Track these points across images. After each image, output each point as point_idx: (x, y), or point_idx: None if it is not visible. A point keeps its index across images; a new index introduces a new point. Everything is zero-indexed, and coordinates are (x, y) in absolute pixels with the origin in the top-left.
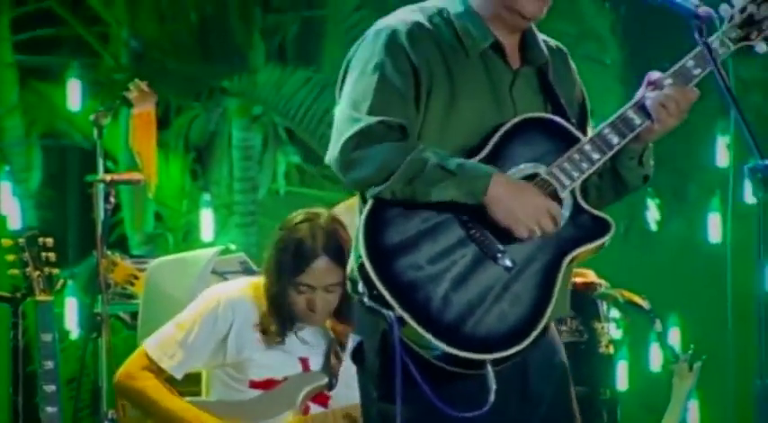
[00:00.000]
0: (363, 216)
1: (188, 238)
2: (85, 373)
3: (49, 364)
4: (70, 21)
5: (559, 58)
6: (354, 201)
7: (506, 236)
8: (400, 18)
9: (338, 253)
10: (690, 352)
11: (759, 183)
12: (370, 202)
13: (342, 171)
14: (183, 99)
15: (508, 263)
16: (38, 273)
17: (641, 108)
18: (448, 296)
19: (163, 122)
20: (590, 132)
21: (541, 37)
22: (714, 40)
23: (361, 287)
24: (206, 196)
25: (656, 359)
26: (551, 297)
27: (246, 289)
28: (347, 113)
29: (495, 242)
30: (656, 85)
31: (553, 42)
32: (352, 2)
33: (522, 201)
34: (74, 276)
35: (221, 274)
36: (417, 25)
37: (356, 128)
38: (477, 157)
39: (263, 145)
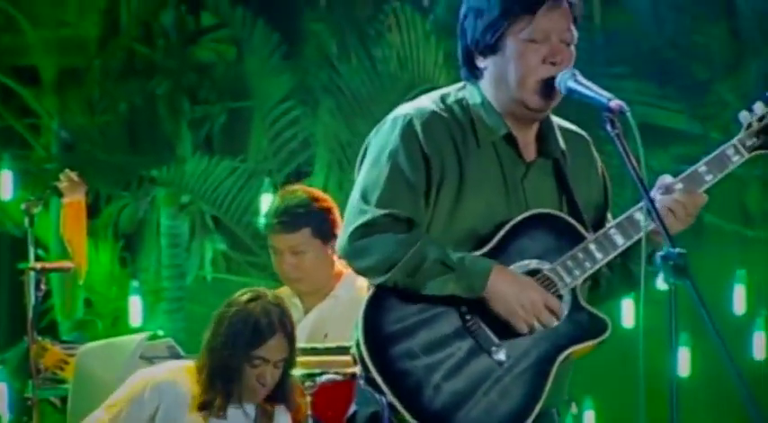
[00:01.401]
0: (365, 301)
1: (117, 324)
2: None
3: None
4: (1, 112)
5: (581, 146)
6: (283, 290)
7: (506, 328)
8: (418, 106)
9: (290, 330)
10: None
11: (670, 270)
12: (372, 289)
13: (348, 259)
14: (112, 188)
15: (502, 357)
16: None
17: (650, 211)
18: (440, 386)
19: (93, 211)
20: (610, 219)
21: (564, 125)
22: (728, 147)
23: (358, 368)
24: (134, 283)
25: None
26: (542, 392)
27: (178, 371)
28: (357, 204)
29: (491, 335)
30: (667, 189)
31: (576, 130)
32: (277, 93)
33: (522, 296)
34: (4, 362)
35: (149, 359)
36: (433, 114)
37: (363, 219)
38: (482, 251)
39: (190, 233)
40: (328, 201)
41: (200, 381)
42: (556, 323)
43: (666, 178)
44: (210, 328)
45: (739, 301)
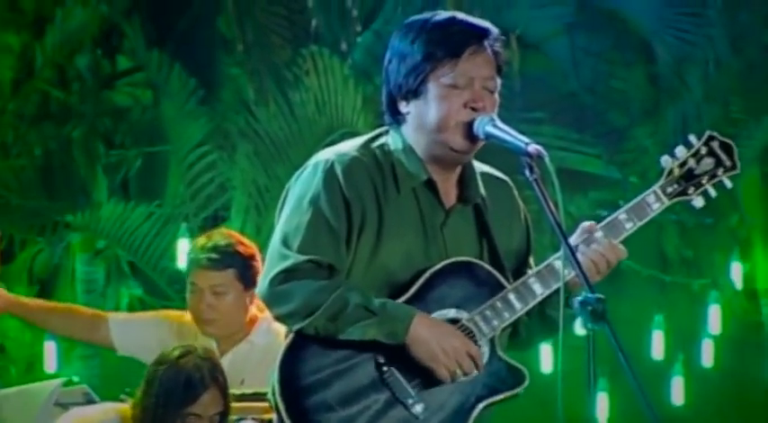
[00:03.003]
0: (282, 350)
1: (31, 370)
2: None
3: None
4: None
5: (503, 192)
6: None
7: (425, 376)
8: (339, 151)
9: (222, 384)
10: None
11: (589, 315)
12: (290, 337)
13: (268, 304)
14: (26, 234)
15: (419, 409)
16: None
17: (568, 257)
18: None
19: (7, 257)
20: (533, 265)
21: (486, 170)
22: (649, 194)
23: (275, 416)
24: None
25: None
26: None
27: (111, 412)
28: (278, 249)
29: (408, 387)
30: (588, 234)
31: (498, 175)
32: (194, 138)
33: (445, 342)
34: None
35: (64, 406)
36: (354, 160)
37: (285, 265)
38: (401, 299)
39: (105, 278)
40: (253, 248)
41: None
42: (476, 373)
43: (587, 224)
44: (142, 386)
45: (657, 346)
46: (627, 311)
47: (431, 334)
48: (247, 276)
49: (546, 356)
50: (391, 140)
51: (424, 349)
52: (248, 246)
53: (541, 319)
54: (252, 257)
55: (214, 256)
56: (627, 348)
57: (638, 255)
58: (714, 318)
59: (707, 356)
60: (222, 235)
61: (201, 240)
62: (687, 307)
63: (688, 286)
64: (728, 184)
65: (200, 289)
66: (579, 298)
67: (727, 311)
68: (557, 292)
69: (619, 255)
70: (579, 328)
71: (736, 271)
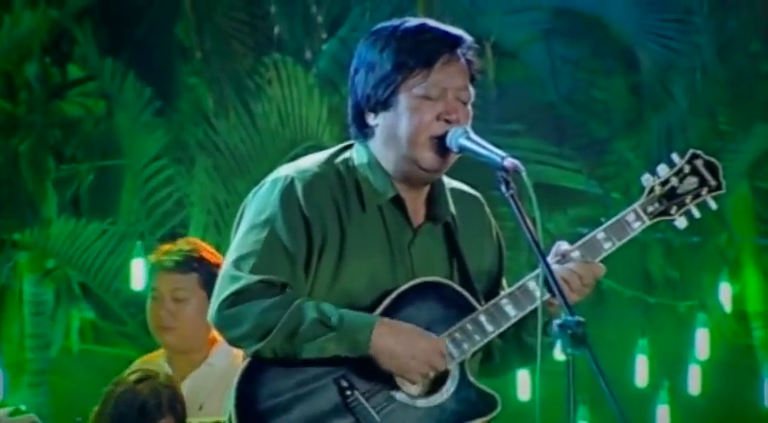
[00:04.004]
0: (237, 375)
1: None
2: None
3: None
4: None
5: (474, 209)
6: (155, 354)
7: (392, 388)
8: (300, 167)
9: (180, 413)
10: None
11: (568, 339)
12: (246, 361)
13: (220, 329)
14: None
15: None
16: None
17: (546, 277)
18: None
19: None
20: (505, 286)
21: (456, 185)
22: (629, 213)
23: None
24: None
25: None
26: None
27: None
28: (229, 270)
29: (373, 413)
30: (563, 257)
31: (469, 190)
32: (150, 151)
33: (411, 347)
34: None
35: None
36: (316, 176)
37: (235, 287)
38: None
39: (55, 300)
40: (220, 258)
41: None
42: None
43: (563, 245)
44: (98, 405)
45: (641, 372)
46: (609, 335)
47: (395, 341)
48: (211, 284)
49: (523, 383)
50: (356, 155)
51: (391, 359)
52: (215, 254)
53: (517, 344)
54: (217, 266)
55: (177, 258)
56: (609, 374)
57: (620, 275)
58: (702, 342)
59: (694, 383)
60: (188, 242)
61: (166, 246)
62: (673, 330)
63: (674, 308)
64: (713, 204)
65: (161, 294)
66: (558, 321)
67: (715, 335)
68: (532, 314)
69: (595, 272)
70: (558, 353)
71: (725, 292)
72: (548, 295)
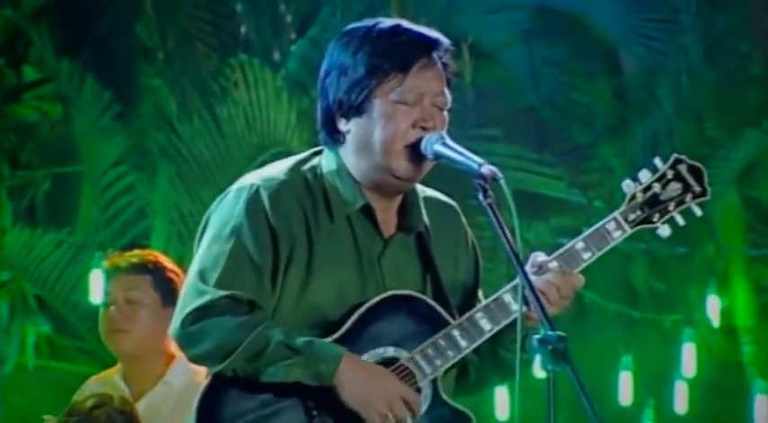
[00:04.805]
0: (199, 395)
1: None
2: None
3: None
4: None
5: (448, 218)
6: (112, 370)
7: (358, 421)
8: (266, 175)
9: None
10: None
11: (549, 355)
12: (207, 379)
13: (181, 345)
14: None
15: None
16: None
17: (525, 289)
18: None
19: None
20: (481, 298)
21: (430, 194)
22: (609, 222)
23: None
24: None
25: None
26: None
27: None
28: (194, 283)
29: None
30: (540, 268)
31: (443, 199)
32: (109, 157)
33: (375, 385)
34: None
35: None
36: (282, 184)
37: (200, 301)
38: (334, 336)
39: (9, 314)
40: (178, 269)
41: None
42: (410, 420)
43: (539, 256)
44: None
45: (625, 389)
46: (591, 351)
47: (360, 376)
48: (166, 289)
49: (501, 401)
50: (325, 162)
51: (352, 393)
52: (172, 263)
53: (494, 360)
54: (172, 271)
55: (133, 260)
56: (591, 392)
57: (603, 288)
58: (688, 358)
59: (680, 401)
60: (144, 250)
61: (122, 253)
62: (658, 346)
63: (659, 323)
64: (698, 211)
65: (114, 298)
66: (538, 335)
67: (702, 351)
68: (509, 328)
69: (574, 283)
70: (538, 370)
71: (713, 305)
72: (524, 309)
